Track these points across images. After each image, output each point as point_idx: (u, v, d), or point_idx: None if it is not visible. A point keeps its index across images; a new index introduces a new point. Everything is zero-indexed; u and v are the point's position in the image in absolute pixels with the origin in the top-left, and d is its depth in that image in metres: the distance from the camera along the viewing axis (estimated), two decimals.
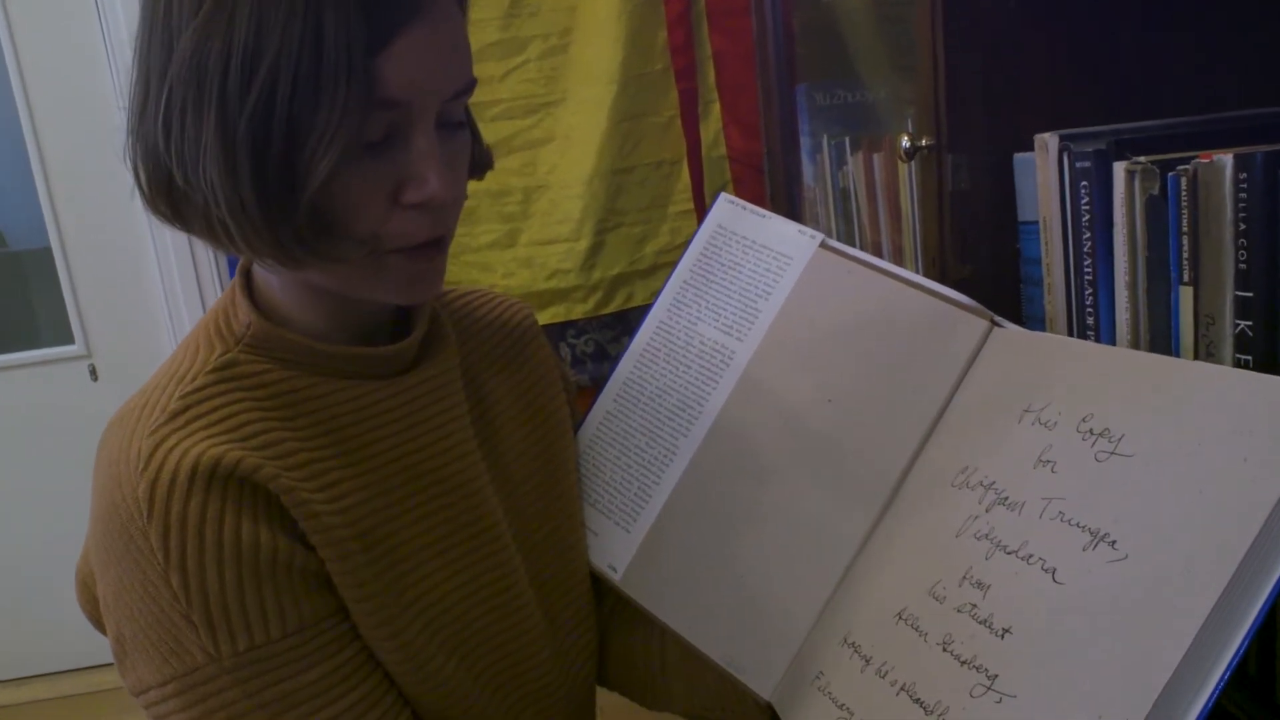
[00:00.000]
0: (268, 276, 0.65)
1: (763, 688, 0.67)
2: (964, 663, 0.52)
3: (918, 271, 1.00)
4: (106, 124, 2.09)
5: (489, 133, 0.69)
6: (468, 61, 0.60)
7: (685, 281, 0.80)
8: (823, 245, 0.75)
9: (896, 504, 0.66)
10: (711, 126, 1.95)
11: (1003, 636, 0.51)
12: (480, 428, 0.73)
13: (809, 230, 0.76)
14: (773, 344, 0.74)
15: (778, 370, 0.74)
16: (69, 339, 2.30)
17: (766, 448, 0.72)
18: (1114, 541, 0.49)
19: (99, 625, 0.64)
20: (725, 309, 0.77)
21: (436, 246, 0.61)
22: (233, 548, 0.57)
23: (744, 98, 1.89)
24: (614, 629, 0.83)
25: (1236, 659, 0.43)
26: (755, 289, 0.76)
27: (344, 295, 0.63)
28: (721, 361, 0.76)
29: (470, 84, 0.60)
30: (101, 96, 2.11)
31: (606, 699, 0.88)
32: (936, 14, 0.82)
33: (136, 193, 0.59)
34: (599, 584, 0.80)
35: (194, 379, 0.61)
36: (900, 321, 0.70)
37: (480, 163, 0.68)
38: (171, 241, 2.13)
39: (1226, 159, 0.57)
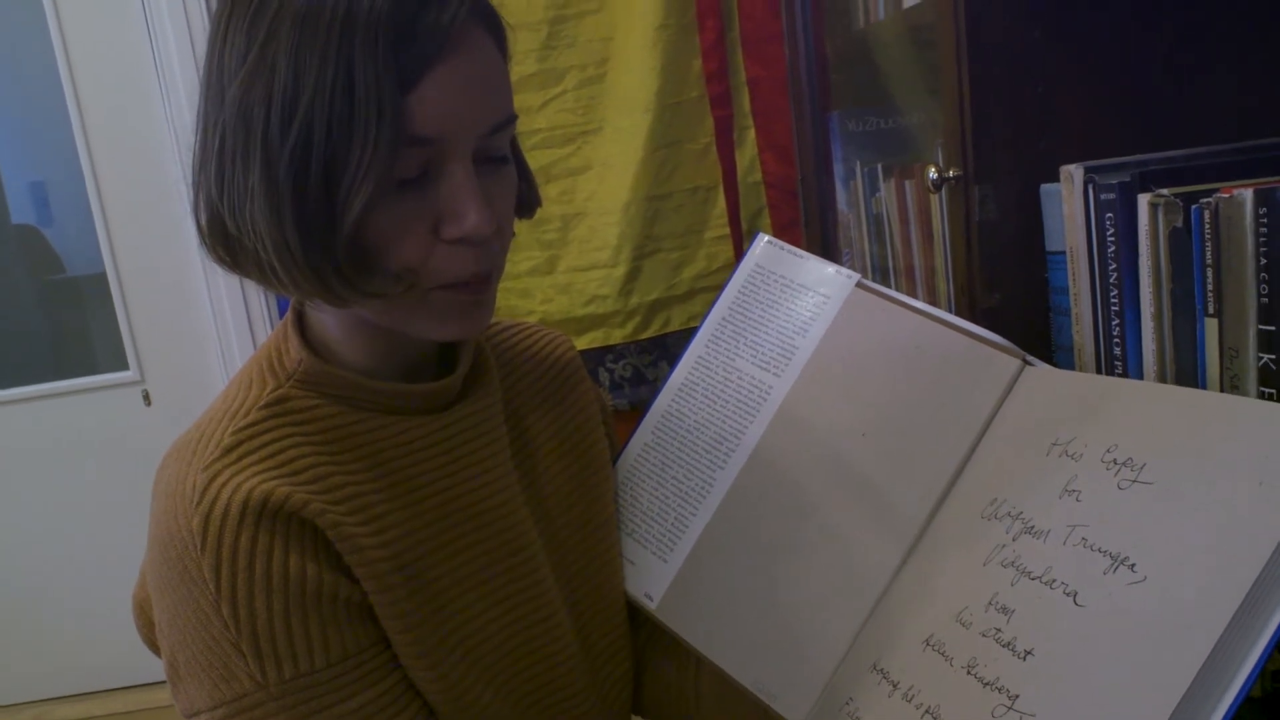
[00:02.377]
0: (319, 314, 0.67)
1: (794, 714, 0.68)
2: (987, 684, 0.53)
3: (948, 298, 1.00)
4: (160, 152, 2.16)
5: (528, 162, 0.71)
6: (505, 96, 0.61)
7: (724, 318, 0.81)
8: (859, 285, 0.76)
9: (928, 536, 0.66)
10: (747, 152, 1.96)
11: (1024, 658, 0.52)
12: (520, 461, 0.74)
13: (845, 270, 0.77)
14: (809, 380, 0.76)
15: (814, 405, 0.75)
16: (123, 364, 2.34)
17: (801, 481, 0.73)
18: (1133, 565, 0.50)
19: (154, 649, 0.66)
20: (763, 345, 0.79)
21: (483, 283, 0.62)
22: (280, 580, 0.58)
23: (779, 123, 1.90)
24: (649, 658, 0.84)
25: (1251, 680, 0.44)
26: (792, 326, 0.78)
27: (392, 331, 0.65)
28: (759, 396, 0.77)
29: (510, 118, 0.61)
30: (155, 125, 2.15)
31: None
32: (961, 46, 0.83)
33: (197, 238, 0.61)
34: (635, 613, 0.81)
35: (247, 414, 0.63)
36: (934, 359, 0.71)
37: (528, 201, 0.69)
38: (223, 270, 2.18)
39: (1247, 193, 0.57)
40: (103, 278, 2.30)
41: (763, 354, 0.78)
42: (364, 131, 0.53)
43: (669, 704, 0.83)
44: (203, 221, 0.60)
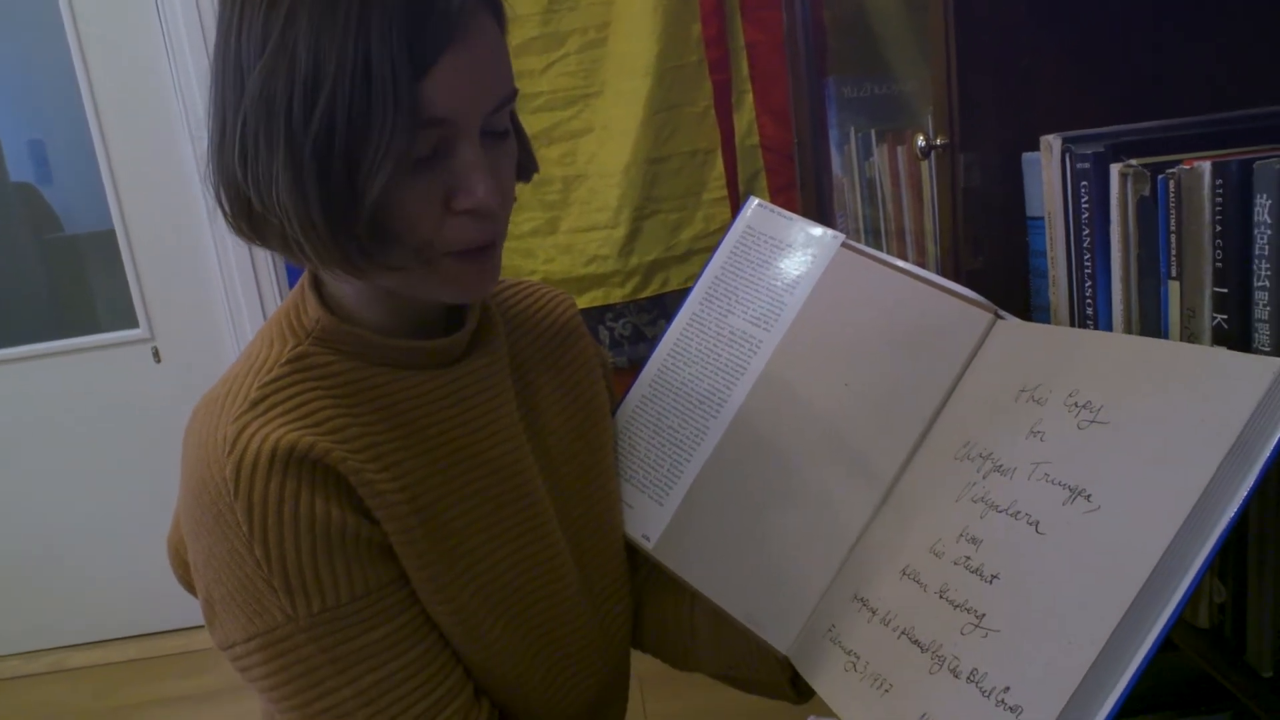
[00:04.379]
0: (334, 277, 0.70)
1: (780, 642, 0.73)
2: (957, 606, 0.58)
3: (935, 259, 1.05)
4: (166, 110, 2.16)
5: (530, 124, 0.75)
6: (507, 73, 0.64)
7: (717, 277, 0.86)
8: (844, 245, 0.80)
9: (905, 477, 0.72)
10: (745, 116, 1.98)
11: (991, 582, 0.58)
12: (526, 413, 0.78)
13: (831, 231, 0.81)
14: (796, 334, 0.80)
15: (801, 358, 0.80)
16: (128, 322, 2.34)
17: (789, 428, 0.78)
18: (1089, 495, 0.55)
19: (189, 588, 0.71)
20: (754, 302, 0.83)
21: (488, 250, 0.66)
22: (308, 522, 0.62)
23: (776, 88, 1.92)
24: (647, 597, 0.89)
25: (1189, 592, 0.49)
26: (781, 284, 0.82)
27: (402, 293, 0.69)
28: (749, 350, 0.82)
29: (511, 94, 0.64)
30: (161, 83, 2.15)
31: (645, 668, 0.95)
32: (949, 20, 0.86)
33: (219, 213, 0.64)
34: (634, 555, 0.86)
35: (270, 370, 0.66)
36: (913, 314, 0.75)
37: (527, 167, 0.73)
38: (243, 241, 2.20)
39: (1205, 165, 0.61)
40: (102, 236, 2.29)
41: (754, 311, 0.83)
42: (382, 116, 0.56)
43: (666, 638, 0.88)
44: (224, 199, 0.63)
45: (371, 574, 0.66)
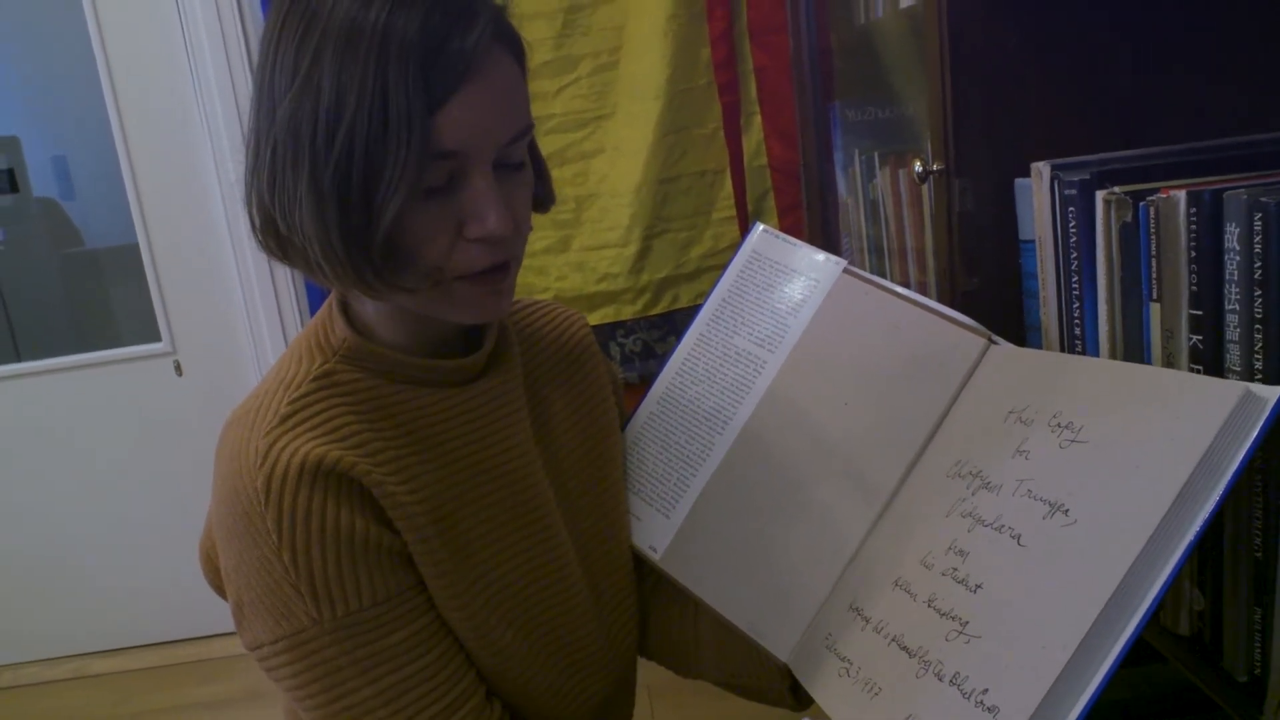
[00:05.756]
0: (360, 298, 0.73)
1: (781, 651, 0.76)
2: (943, 614, 0.62)
3: (932, 280, 1.08)
4: (189, 127, 2.19)
5: (544, 145, 0.78)
6: (524, 107, 0.67)
7: (724, 300, 0.89)
8: (846, 270, 0.83)
9: (901, 494, 0.75)
10: (753, 138, 2.01)
11: (975, 591, 0.61)
12: (539, 429, 0.81)
13: (834, 257, 0.85)
14: (799, 356, 0.83)
15: (803, 379, 0.83)
16: (149, 336, 2.35)
17: (791, 446, 0.81)
18: (1067, 510, 0.58)
19: (220, 592, 0.74)
20: (759, 324, 0.86)
21: (501, 272, 0.68)
22: (333, 531, 0.65)
23: (784, 110, 1.95)
24: (654, 606, 0.92)
25: (1158, 598, 0.52)
26: (785, 308, 0.85)
27: (423, 314, 0.72)
28: (754, 370, 0.85)
29: (526, 129, 0.67)
30: (185, 101, 2.18)
31: (653, 678, 0.97)
32: (944, 51, 0.89)
33: (250, 234, 0.68)
34: (640, 566, 0.88)
35: (299, 386, 0.70)
36: (910, 338, 0.79)
37: (544, 200, 0.76)
38: (250, 241, 2.22)
39: (1180, 194, 0.64)
40: (122, 250, 2.31)
41: (759, 332, 0.86)
42: (396, 147, 0.58)
43: (672, 648, 0.91)
44: (256, 220, 0.67)
45: (392, 581, 0.69)
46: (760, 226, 0.90)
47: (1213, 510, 0.53)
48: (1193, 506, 0.53)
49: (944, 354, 0.77)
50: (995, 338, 0.76)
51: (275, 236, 0.67)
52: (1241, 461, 0.53)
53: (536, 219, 0.71)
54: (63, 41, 2.25)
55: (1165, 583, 0.52)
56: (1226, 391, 0.54)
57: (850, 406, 0.80)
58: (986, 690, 0.56)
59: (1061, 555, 0.57)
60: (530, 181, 0.71)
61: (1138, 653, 0.83)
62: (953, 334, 0.77)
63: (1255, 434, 0.53)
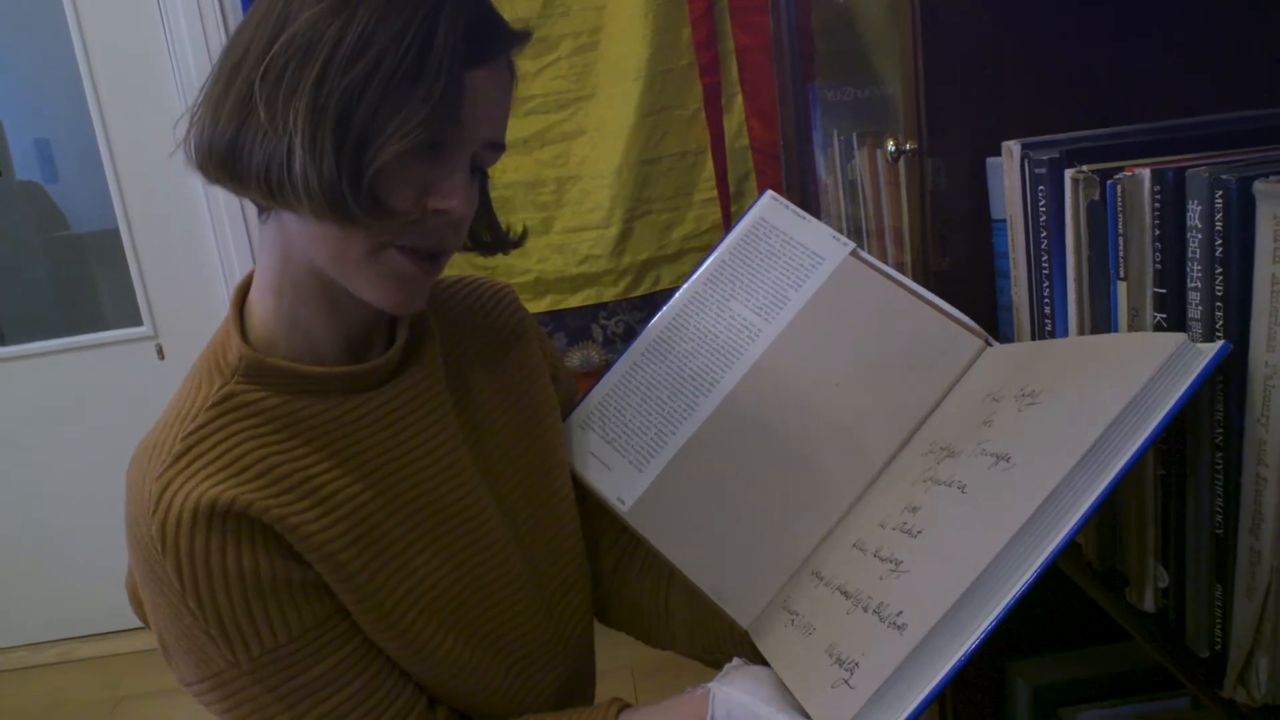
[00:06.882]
0: (259, 308, 0.71)
1: (742, 618, 0.76)
2: (883, 560, 0.63)
3: (909, 259, 1.08)
4: (171, 109, 2.15)
5: (524, 127, 0.78)
6: (506, 122, 0.68)
7: (723, 261, 0.88)
8: (853, 253, 0.83)
9: (880, 479, 0.75)
10: (734, 118, 2.01)
11: (915, 536, 0.62)
12: (465, 421, 0.79)
13: (843, 238, 0.85)
14: (796, 329, 0.83)
15: (797, 353, 0.82)
16: (133, 320, 2.37)
17: (777, 417, 0.81)
18: (1009, 458, 0.60)
19: (149, 625, 0.73)
20: (757, 292, 0.85)
21: (434, 260, 0.67)
22: (235, 573, 0.64)
23: (765, 90, 1.94)
24: (622, 579, 0.91)
25: (1078, 525, 0.54)
26: (787, 279, 0.85)
27: (330, 315, 0.69)
28: (748, 337, 0.84)
29: (501, 145, 0.68)
30: (166, 81, 2.17)
31: (637, 658, 0.96)
32: (916, 30, 0.89)
33: (185, 155, 0.65)
34: (599, 545, 0.88)
35: (195, 416, 0.67)
36: (909, 330, 0.79)
37: (482, 239, 0.77)
38: (230, 224, 2.22)
39: (1145, 173, 0.64)
40: (107, 234, 2.32)
41: (756, 299, 0.85)
42: (426, 89, 0.58)
43: (640, 620, 0.90)
44: (208, 137, 0.62)
45: (307, 614, 0.67)
46: (769, 193, 0.89)
47: (1142, 445, 0.54)
48: (1122, 442, 0.55)
49: (941, 350, 0.77)
50: (992, 340, 0.76)
51: (231, 157, 0.62)
52: (1177, 402, 0.54)
53: (517, 203, 0.73)
54: (43, 23, 2.24)
55: (1085, 513, 0.54)
56: (1166, 340, 0.56)
57: (841, 388, 0.80)
58: (900, 612, 0.57)
59: (994, 494, 0.59)
60: (478, 200, 0.71)
61: (1105, 630, 0.84)
62: (952, 331, 0.78)
63: (1193, 379, 0.55)
